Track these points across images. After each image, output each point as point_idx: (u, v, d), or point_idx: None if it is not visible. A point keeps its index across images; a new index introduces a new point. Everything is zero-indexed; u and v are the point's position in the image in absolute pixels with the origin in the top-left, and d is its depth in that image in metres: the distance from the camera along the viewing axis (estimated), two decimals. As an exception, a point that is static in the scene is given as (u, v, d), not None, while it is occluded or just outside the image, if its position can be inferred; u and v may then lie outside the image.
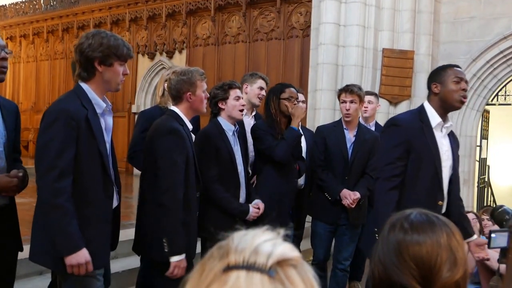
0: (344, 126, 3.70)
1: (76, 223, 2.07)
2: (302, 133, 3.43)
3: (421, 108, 2.65)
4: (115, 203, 2.36)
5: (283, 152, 3.21)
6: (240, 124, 3.53)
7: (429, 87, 2.64)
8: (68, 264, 2.06)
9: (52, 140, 2.06)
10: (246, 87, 3.69)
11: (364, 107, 4.26)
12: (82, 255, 2.07)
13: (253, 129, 3.41)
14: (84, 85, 2.19)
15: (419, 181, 2.53)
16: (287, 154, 3.26)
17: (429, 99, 2.64)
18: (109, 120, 2.30)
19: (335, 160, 3.64)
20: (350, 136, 3.69)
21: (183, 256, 2.51)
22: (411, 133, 2.55)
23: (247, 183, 3.22)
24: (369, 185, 3.56)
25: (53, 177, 2.03)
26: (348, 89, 3.64)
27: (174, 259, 2.48)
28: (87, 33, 2.20)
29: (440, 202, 2.56)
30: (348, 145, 3.66)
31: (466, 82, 2.60)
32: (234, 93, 3.09)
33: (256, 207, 3.15)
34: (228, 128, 3.11)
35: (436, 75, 2.62)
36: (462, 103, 2.58)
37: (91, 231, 2.15)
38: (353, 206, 3.55)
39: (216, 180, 3.01)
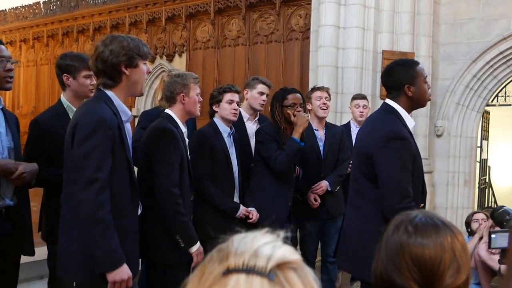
0: (315, 127, 3.72)
1: (117, 237, 2.00)
2: (303, 144, 3.31)
3: (394, 111, 2.44)
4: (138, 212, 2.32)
5: (283, 166, 3.20)
6: (241, 129, 3.52)
7: (398, 88, 2.44)
8: (111, 281, 1.99)
9: (92, 152, 1.98)
10: (247, 93, 3.65)
11: (360, 112, 4.29)
12: (125, 271, 2.01)
13: (258, 132, 3.39)
14: (109, 92, 2.13)
15: (414, 189, 2.37)
16: (287, 167, 3.25)
17: (397, 100, 2.45)
18: (129, 127, 2.26)
19: (310, 159, 3.69)
20: (320, 135, 3.74)
21: (199, 244, 2.56)
22: (412, 143, 2.39)
23: (241, 185, 3.22)
24: (340, 173, 3.69)
25: (95, 190, 1.95)
26: (321, 88, 3.81)
27: (193, 249, 2.54)
28: (104, 41, 2.13)
29: (421, 205, 2.44)
30: (320, 144, 3.70)
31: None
32: (227, 96, 3.14)
33: (248, 211, 3.14)
34: (224, 129, 3.14)
35: (407, 76, 2.44)
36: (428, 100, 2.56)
37: (125, 243, 2.07)
38: (317, 203, 3.57)
39: (208, 177, 3.03)
